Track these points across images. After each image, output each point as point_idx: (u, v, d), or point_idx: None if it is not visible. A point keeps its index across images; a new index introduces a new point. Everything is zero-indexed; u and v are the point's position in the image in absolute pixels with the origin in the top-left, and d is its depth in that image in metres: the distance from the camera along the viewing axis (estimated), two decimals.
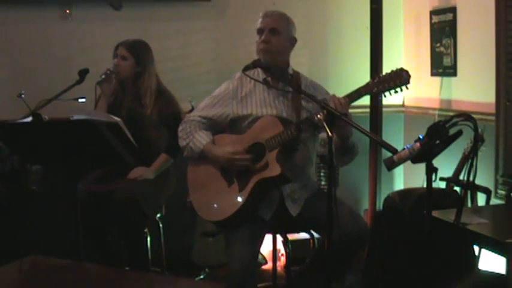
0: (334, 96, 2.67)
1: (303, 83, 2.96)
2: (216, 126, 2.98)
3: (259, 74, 2.95)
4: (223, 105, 2.94)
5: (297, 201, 2.90)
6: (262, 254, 4.03)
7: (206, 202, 2.90)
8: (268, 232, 3.02)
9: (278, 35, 2.90)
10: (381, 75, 2.63)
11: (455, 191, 3.32)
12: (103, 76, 3.51)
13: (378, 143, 2.68)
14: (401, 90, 2.60)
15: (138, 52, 3.59)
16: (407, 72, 2.58)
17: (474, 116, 2.37)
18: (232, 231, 2.81)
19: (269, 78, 2.91)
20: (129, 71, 3.57)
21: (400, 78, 2.57)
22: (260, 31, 2.92)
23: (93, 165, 3.46)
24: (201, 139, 2.91)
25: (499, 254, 2.56)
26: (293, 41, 2.99)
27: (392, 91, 2.60)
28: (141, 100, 3.56)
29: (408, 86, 2.59)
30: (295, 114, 2.87)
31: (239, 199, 2.79)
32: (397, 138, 4.41)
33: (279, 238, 3.20)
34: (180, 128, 2.99)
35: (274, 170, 2.74)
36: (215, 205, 2.86)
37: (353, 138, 2.77)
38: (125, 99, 3.59)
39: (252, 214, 2.82)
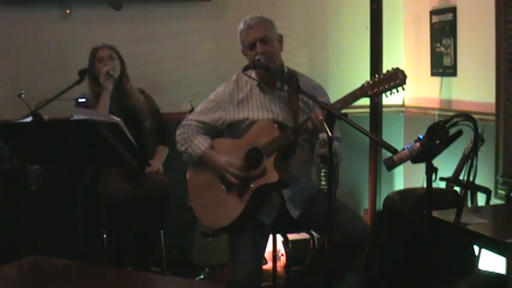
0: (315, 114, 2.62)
1: (301, 82, 2.94)
2: (214, 130, 2.98)
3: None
4: (220, 109, 2.94)
5: (297, 203, 2.90)
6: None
7: (207, 209, 2.92)
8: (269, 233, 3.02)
9: (269, 41, 2.87)
10: (376, 77, 2.56)
11: (455, 191, 3.32)
12: (111, 72, 3.58)
13: (378, 143, 2.67)
14: (398, 91, 2.54)
15: (117, 51, 3.72)
16: (403, 72, 2.52)
17: (474, 116, 2.37)
18: (236, 240, 2.82)
19: (263, 83, 2.91)
20: (118, 69, 3.68)
21: (396, 79, 2.50)
22: (252, 45, 2.87)
23: (93, 165, 3.50)
24: (200, 144, 2.91)
25: (499, 254, 2.56)
26: (280, 39, 2.96)
27: (388, 93, 2.54)
28: (130, 95, 3.70)
29: (404, 86, 2.52)
30: (292, 117, 2.86)
31: (239, 206, 2.79)
32: (397, 138, 4.41)
33: (279, 238, 3.21)
34: (178, 132, 3.00)
35: (272, 176, 2.74)
36: (215, 212, 2.87)
37: (337, 147, 2.74)
38: (116, 101, 3.64)
39: (252, 219, 2.82)
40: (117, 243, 3.53)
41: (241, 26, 2.92)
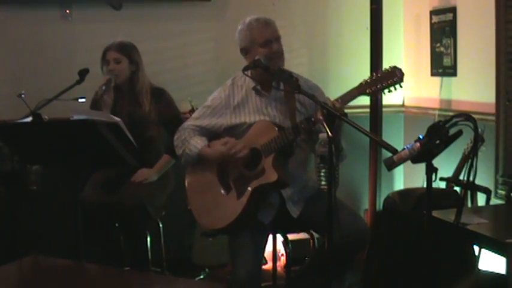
0: (329, 100, 2.63)
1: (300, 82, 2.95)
2: (210, 134, 2.98)
3: (249, 82, 2.95)
4: (217, 115, 2.95)
5: (297, 203, 2.90)
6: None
7: (205, 210, 2.92)
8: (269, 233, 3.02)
9: (280, 42, 2.91)
10: (373, 75, 2.57)
11: (455, 191, 3.32)
12: (104, 87, 3.50)
13: (378, 143, 2.67)
14: (395, 89, 2.54)
15: (129, 51, 3.58)
16: (400, 70, 2.53)
17: (474, 116, 2.37)
18: (236, 240, 2.82)
19: (259, 87, 2.92)
20: (126, 72, 3.56)
21: (393, 76, 2.51)
22: (266, 42, 2.86)
23: (93, 166, 3.48)
24: (197, 144, 2.91)
25: (499, 254, 2.56)
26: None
27: (386, 90, 2.55)
28: (137, 99, 3.56)
29: (402, 84, 2.53)
30: (289, 119, 2.86)
31: (237, 206, 2.79)
32: (397, 138, 4.41)
33: (279, 238, 3.21)
34: (176, 136, 3.01)
35: (271, 176, 2.74)
36: (214, 213, 2.87)
37: (343, 142, 2.75)
38: (123, 104, 3.57)
39: (251, 220, 2.82)
40: (97, 244, 3.50)
41: (252, 23, 2.89)
